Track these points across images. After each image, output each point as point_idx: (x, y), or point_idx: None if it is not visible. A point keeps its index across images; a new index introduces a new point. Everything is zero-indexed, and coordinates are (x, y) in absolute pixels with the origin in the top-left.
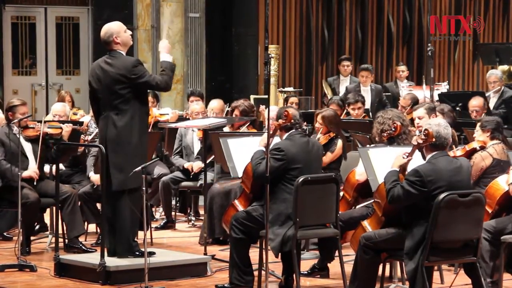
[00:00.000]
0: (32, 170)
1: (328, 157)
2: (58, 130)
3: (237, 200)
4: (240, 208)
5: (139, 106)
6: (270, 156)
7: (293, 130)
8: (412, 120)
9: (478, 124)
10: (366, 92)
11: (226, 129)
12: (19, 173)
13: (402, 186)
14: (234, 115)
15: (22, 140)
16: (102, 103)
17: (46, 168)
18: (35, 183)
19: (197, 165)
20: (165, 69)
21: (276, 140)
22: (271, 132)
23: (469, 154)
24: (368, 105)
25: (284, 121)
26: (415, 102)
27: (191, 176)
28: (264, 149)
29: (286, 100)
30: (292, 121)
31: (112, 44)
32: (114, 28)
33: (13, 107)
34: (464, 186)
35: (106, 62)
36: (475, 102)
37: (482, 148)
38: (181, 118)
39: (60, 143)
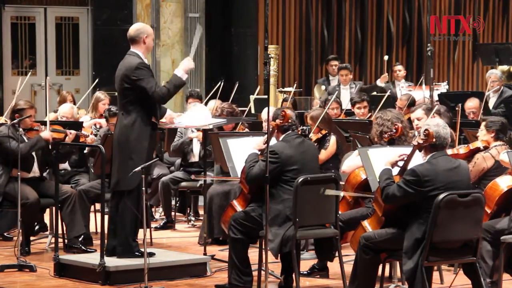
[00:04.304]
0: (47, 132)
1: (323, 154)
2: (61, 135)
3: (236, 201)
4: (239, 208)
5: (143, 108)
6: (264, 159)
7: (290, 131)
8: (409, 120)
9: (483, 123)
10: (346, 91)
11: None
12: (18, 173)
13: (398, 185)
14: None
15: (25, 141)
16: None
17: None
18: (50, 147)
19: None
20: (170, 81)
21: (273, 141)
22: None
23: (473, 153)
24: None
25: (281, 121)
26: (411, 102)
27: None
28: (257, 152)
29: (285, 100)
30: (289, 121)
31: (137, 43)
32: (148, 30)
33: (20, 109)
34: (462, 186)
35: (123, 60)
36: (471, 104)
37: (486, 148)
38: None
39: (60, 144)
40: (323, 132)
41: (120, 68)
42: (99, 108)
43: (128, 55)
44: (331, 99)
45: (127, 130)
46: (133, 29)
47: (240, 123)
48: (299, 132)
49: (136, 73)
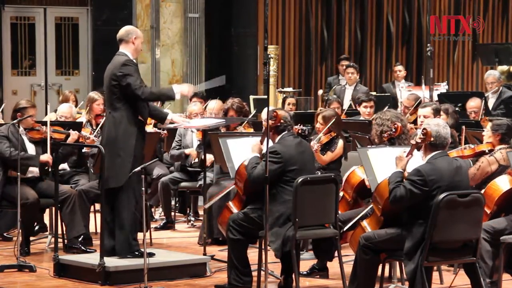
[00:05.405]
0: (47, 155)
1: (328, 156)
2: (62, 136)
3: (231, 202)
4: (235, 210)
5: (131, 106)
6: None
7: (285, 132)
8: (415, 120)
9: (489, 124)
10: (350, 90)
11: (222, 131)
12: (18, 174)
13: (404, 186)
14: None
15: (26, 140)
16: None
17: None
18: (50, 169)
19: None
20: (162, 88)
21: (269, 143)
22: (263, 134)
23: (477, 155)
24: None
25: (273, 122)
26: (418, 103)
27: (191, 163)
28: (258, 155)
29: (284, 101)
30: (282, 121)
31: (126, 42)
32: (138, 32)
33: (22, 108)
34: (463, 186)
35: (112, 60)
36: (473, 104)
37: (491, 151)
38: None
39: (60, 144)
40: (333, 134)
41: (109, 67)
42: (93, 108)
43: (116, 55)
44: (364, 97)
45: (114, 127)
46: (122, 30)
47: (245, 122)
48: (297, 131)
49: (122, 69)
